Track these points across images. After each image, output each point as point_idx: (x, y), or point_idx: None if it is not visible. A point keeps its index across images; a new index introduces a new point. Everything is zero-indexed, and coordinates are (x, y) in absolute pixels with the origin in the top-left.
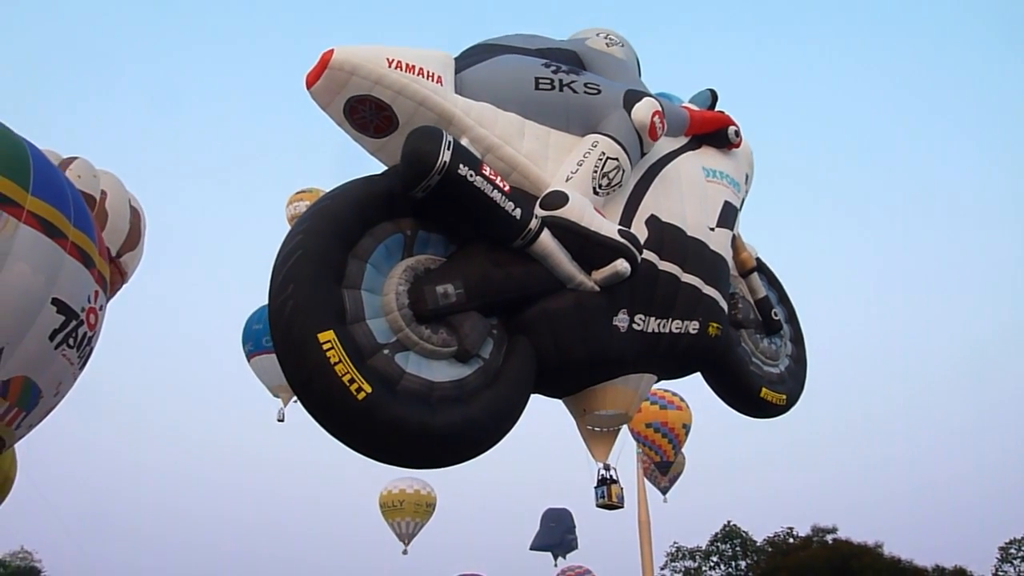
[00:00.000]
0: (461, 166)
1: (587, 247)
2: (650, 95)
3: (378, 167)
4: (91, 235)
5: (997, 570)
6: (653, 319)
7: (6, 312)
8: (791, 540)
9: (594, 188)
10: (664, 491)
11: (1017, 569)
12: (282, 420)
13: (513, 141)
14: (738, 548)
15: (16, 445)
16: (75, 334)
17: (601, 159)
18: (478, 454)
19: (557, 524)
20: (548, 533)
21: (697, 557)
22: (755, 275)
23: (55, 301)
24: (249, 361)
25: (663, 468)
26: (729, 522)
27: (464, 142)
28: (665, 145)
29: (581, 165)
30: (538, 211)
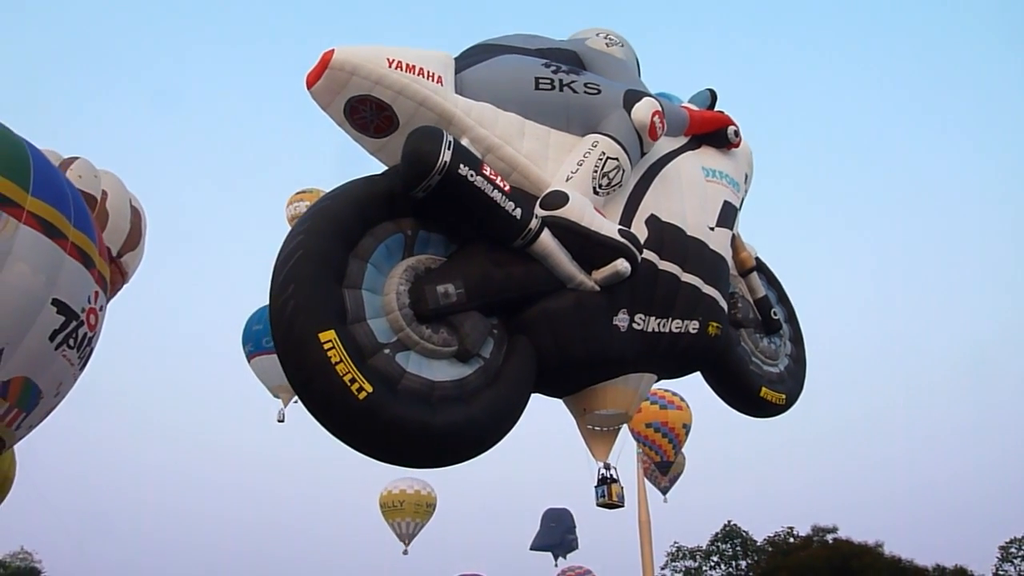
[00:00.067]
0: (461, 166)
1: (587, 247)
2: (650, 95)
3: (378, 167)
4: (91, 235)
5: (997, 569)
6: (653, 319)
7: (6, 312)
8: (791, 540)
9: (594, 188)
10: (664, 491)
11: (1018, 568)
12: (282, 421)
13: (513, 141)
14: (738, 548)
15: (16, 445)
16: (75, 334)
17: (601, 159)
18: (479, 453)
19: (557, 524)
20: (548, 533)
21: (697, 557)
22: (754, 275)
23: (55, 302)
24: (249, 362)
25: (663, 468)
26: (729, 522)
27: (464, 142)
28: (665, 145)
29: (581, 165)
30: (538, 211)
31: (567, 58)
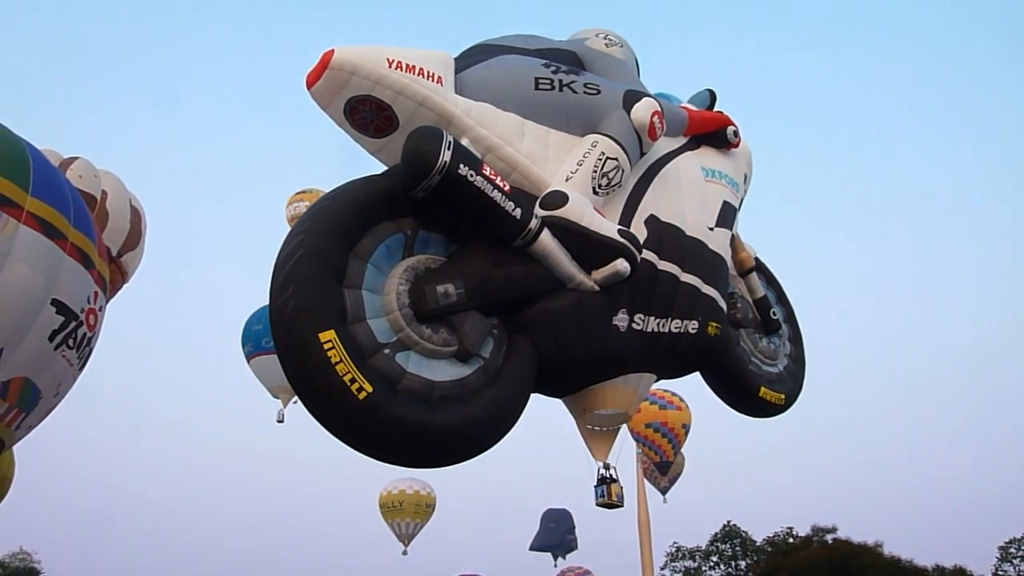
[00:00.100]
0: (461, 166)
1: (587, 247)
2: (649, 95)
3: (378, 167)
4: (91, 236)
5: (997, 569)
6: (652, 319)
7: (6, 313)
8: (791, 540)
9: (594, 188)
10: (664, 491)
11: (1017, 569)
12: (282, 421)
13: (513, 141)
14: (738, 548)
15: (15, 446)
16: (75, 335)
17: (601, 159)
18: (479, 453)
19: (557, 524)
20: (548, 533)
21: (697, 557)
22: (754, 275)
23: (55, 302)
24: (249, 362)
25: (663, 468)
26: (729, 522)
27: (464, 142)
28: (664, 145)
29: (581, 165)
30: (538, 211)
31: (567, 58)
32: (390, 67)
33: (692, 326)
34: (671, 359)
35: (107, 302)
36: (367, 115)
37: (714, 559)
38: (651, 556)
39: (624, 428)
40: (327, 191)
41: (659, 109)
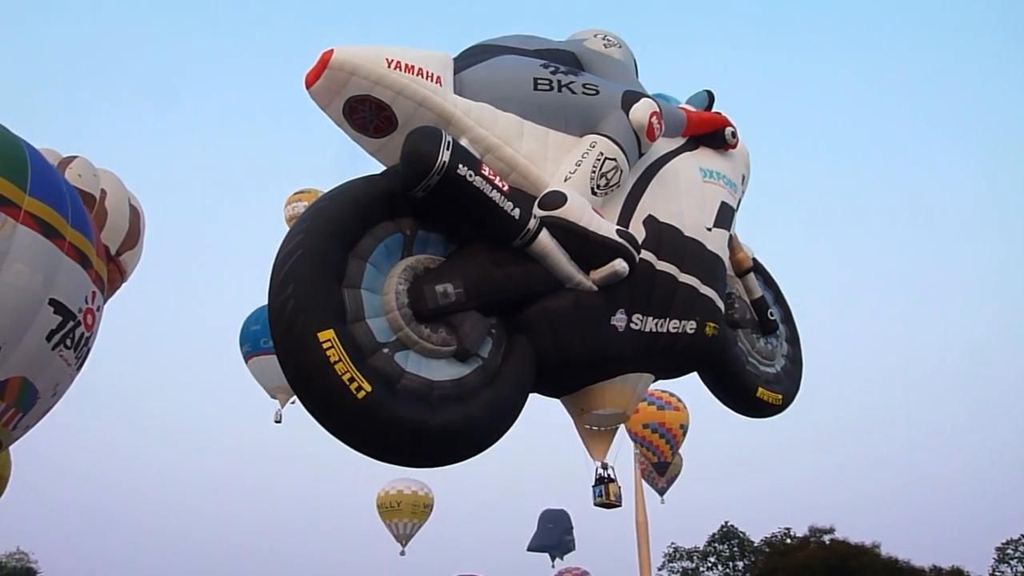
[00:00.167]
0: (460, 166)
1: (585, 247)
2: (648, 96)
3: (378, 167)
4: (89, 236)
5: (994, 570)
6: (651, 319)
7: (3, 312)
8: (788, 540)
9: (592, 188)
10: (662, 492)
11: (1014, 569)
12: (279, 421)
13: (512, 141)
14: (735, 549)
15: (12, 446)
16: (72, 335)
17: (599, 159)
18: (477, 453)
19: (555, 525)
20: (546, 534)
21: (695, 558)
22: (751, 275)
23: (52, 302)
24: (247, 362)
25: (661, 469)
26: (727, 523)
27: (463, 142)
28: (663, 146)
29: (579, 165)
30: (537, 211)
31: (565, 59)
32: (389, 67)
33: (690, 326)
34: (669, 359)
35: (105, 301)
36: (366, 115)
37: (712, 560)
38: (649, 557)
39: (622, 428)
40: (326, 191)
41: (657, 110)
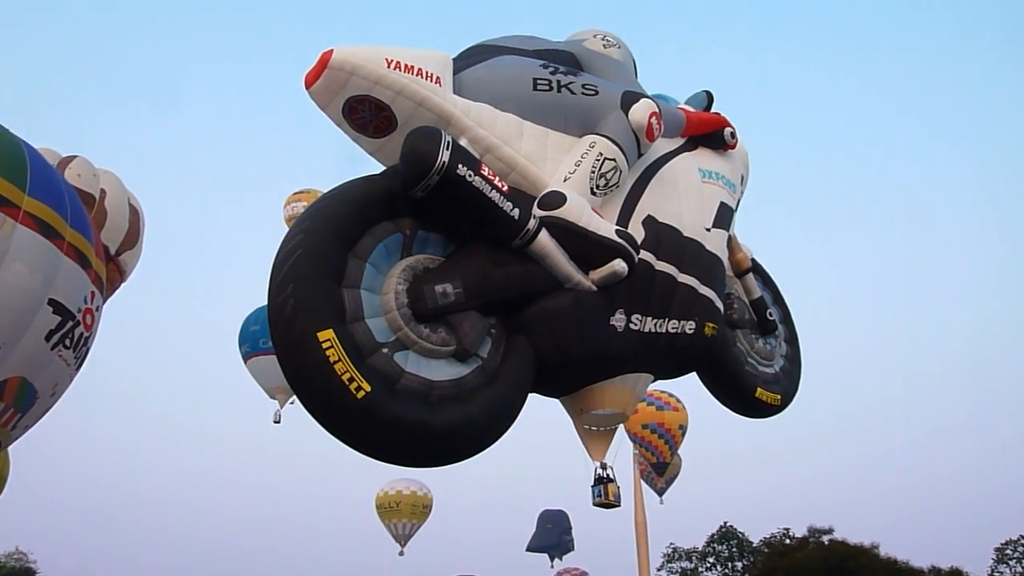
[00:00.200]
0: (460, 166)
1: (585, 247)
2: (647, 96)
3: (377, 167)
4: (88, 236)
5: (993, 571)
6: (650, 319)
7: (2, 312)
8: (787, 541)
9: (591, 188)
10: (660, 492)
11: (1013, 570)
12: (278, 422)
13: (512, 142)
14: (734, 549)
15: (10, 446)
16: (71, 335)
17: (599, 160)
18: (476, 453)
19: (554, 525)
20: (544, 534)
21: (693, 558)
22: (750, 276)
23: (51, 302)
24: (246, 363)
25: (659, 469)
26: (725, 523)
27: (463, 142)
28: (662, 146)
29: (579, 166)
30: (536, 211)
31: (565, 59)
32: (389, 67)
33: (689, 326)
34: (668, 359)
35: (105, 301)
36: (366, 115)
37: (711, 560)
38: (648, 557)
39: (621, 429)
40: (325, 191)
41: (657, 110)
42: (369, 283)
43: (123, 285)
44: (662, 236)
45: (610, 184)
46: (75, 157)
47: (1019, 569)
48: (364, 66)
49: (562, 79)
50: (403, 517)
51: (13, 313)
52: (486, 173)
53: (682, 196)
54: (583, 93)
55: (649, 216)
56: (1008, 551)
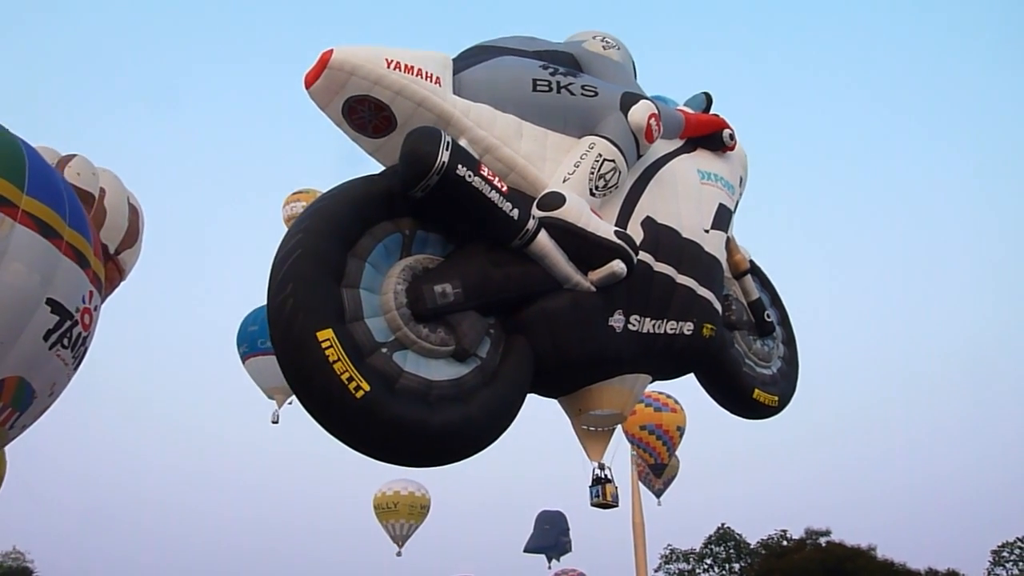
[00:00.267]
0: (459, 166)
1: (584, 248)
2: (646, 98)
3: (377, 167)
4: (86, 235)
5: (990, 573)
6: (648, 320)
7: (1, 312)
8: (785, 542)
9: (591, 189)
10: (658, 494)
11: (1009, 572)
12: (276, 422)
13: (511, 142)
14: (732, 551)
15: (7, 445)
16: (69, 334)
17: (598, 161)
18: (475, 453)
19: (551, 527)
20: (542, 535)
21: (691, 559)
22: (748, 277)
23: (50, 301)
24: (244, 363)
25: (657, 470)
26: (723, 524)
27: (462, 143)
28: (661, 147)
29: (578, 167)
30: (535, 212)
31: (564, 60)
32: (389, 67)
33: (687, 327)
34: (667, 360)
35: (104, 300)
36: (365, 115)
37: (708, 562)
38: (645, 558)
39: (619, 429)
40: (325, 191)
41: (656, 111)
42: (368, 283)
43: (122, 284)
44: (661, 237)
45: (609, 185)
46: (74, 156)
47: (1016, 571)
48: (364, 66)
49: (562, 80)
50: (401, 518)
51: (11, 312)
52: (486, 173)
53: (681, 197)
54: (582, 94)
55: (648, 217)
56: (1005, 553)
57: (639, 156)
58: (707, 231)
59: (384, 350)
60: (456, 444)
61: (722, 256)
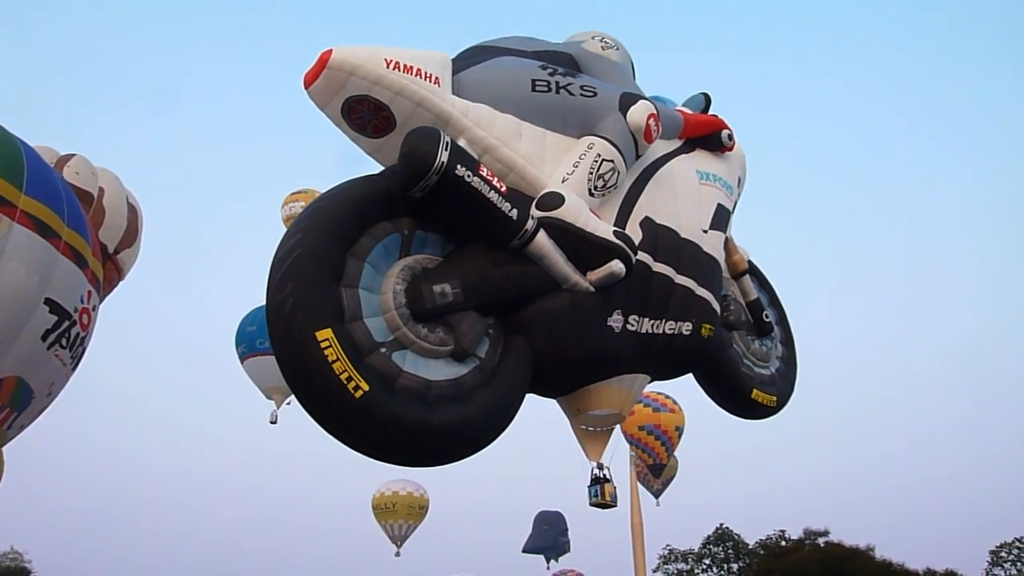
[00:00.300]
0: (459, 167)
1: (582, 248)
2: (645, 98)
3: (376, 167)
4: (84, 235)
5: (988, 573)
6: (647, 320)
7: None
8: (783, 543)
9: (590, 190)
10: (657, 494)
11: (1008, 572)
12: (275, 422)
13: (510, 142)
14: (730, 551)
15: (4, 446)
16: (68, 334)
17: (597, 161)
18: (474, 452)
19: (550, 527)
20: (540, 536)
21: (689, 560)
22: (747, 277)
23: (48, 301)
24: (242, 363)
25: (656, 471)
26: (721, 524)
27: (461, 143)
28: (659, 148)
29: (577, 167)
30: (534, 212)
31: (563, 61)
32: (388, 67)
33: (686, 328)
34: (665, 360)
35: (103, 299)
36: (364, 115)
37: (707, 562)
38: (644, 558)
39: (617, 430)
40: (324, 191)
41: (655, 112)
42: (367, 283)
43: (121, 284)
44: (659, 237)
45: (608, 185)
46: (73, 155)
47: (1014, 571)
48: (363, 66)
49: (561, 80)
50: (399, 518)
51: (9, 312)
52: (485, 174)
53: (679, 198)
54: (581, 94)
55: (647, 217)
56: (1003, 553)
57: (638, 156)
58: (705, 231)
59: (383, 350)
60: (455, 444)
61: (721, 256)
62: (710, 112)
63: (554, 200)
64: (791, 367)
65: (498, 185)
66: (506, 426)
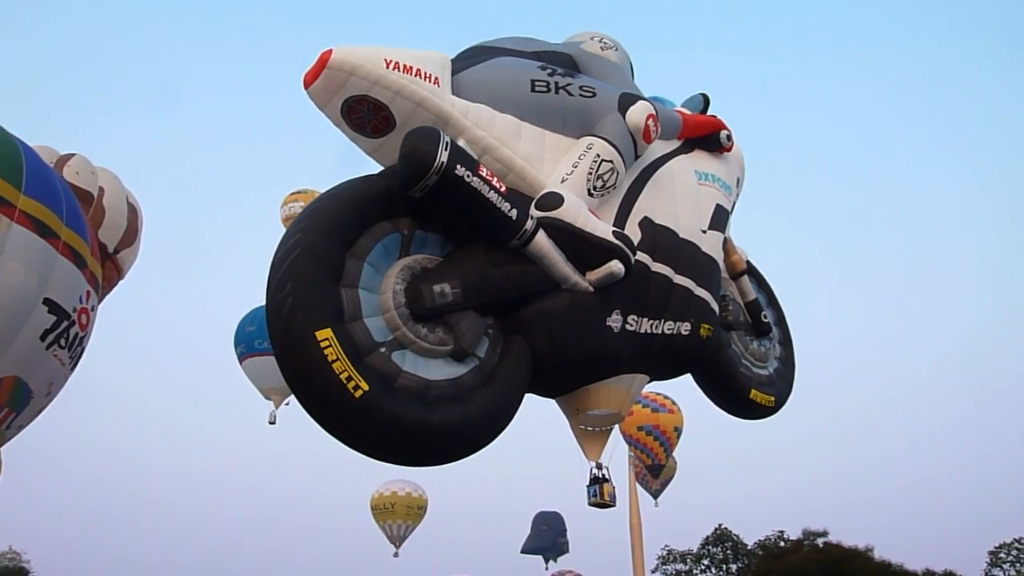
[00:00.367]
0: (458, 167)
1: (582, 248)
2: (644, 98)
3: (376, 167)
4: (83, 235)
5: (987, 574)
6: (646, 320)
7: None
8: (782, 543)
9: (589, 190)
10: (655, 494)
11: (1007, 573)
12: (273, 423)
13: (510, 142)
14: (729, 551)
15: (3, 446)
16: (67, 334)
17: (596, 161)
18: (473, 452)
19: (548, 528)
20: (539, 536)
21: (688, 560)
22: (745, 278)
23: (47, 301)
24: (241, 363)
25: (655, 471)
26: (720, 525)
27: (461, 143)
28: (658, 148)
29: (576, 167)
30: (534, 212)
31: (562, 61)
32: (388, 67)
33: (685, 328)
34: (664, 360)
35: (102, 299)
36: (364, 115)
37: (705, 562)
38: (642, 559)
39: (616, 431)
40: (323, 191)
41: (654, 112)
42: (367, 282)
43: (121, 283)
44: (658, 238)
45: (607, 185)
46: (73, 155)
47: (1013, 572)
48: (363, 66)
49: (560, 81)
50: (398, 518)
51: (8, 312)
52: (484, 174)
53: (678, 198)
54: (581, 95)
55: (646, 218)
56: (1002, 554)
57: (637, 157)
58: (704, 231)
59: (383, 350)
60: (454, 444)
61: (719, 256)
62: (709, 112)
63: (553, 200)
64: (789, 367)
65: (497, 185)
66: (505, 426)
